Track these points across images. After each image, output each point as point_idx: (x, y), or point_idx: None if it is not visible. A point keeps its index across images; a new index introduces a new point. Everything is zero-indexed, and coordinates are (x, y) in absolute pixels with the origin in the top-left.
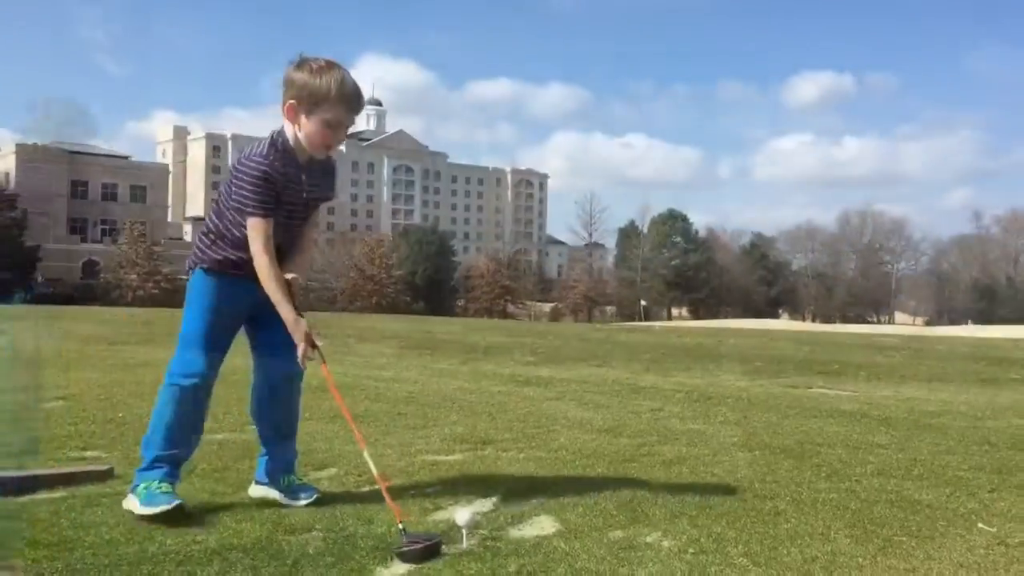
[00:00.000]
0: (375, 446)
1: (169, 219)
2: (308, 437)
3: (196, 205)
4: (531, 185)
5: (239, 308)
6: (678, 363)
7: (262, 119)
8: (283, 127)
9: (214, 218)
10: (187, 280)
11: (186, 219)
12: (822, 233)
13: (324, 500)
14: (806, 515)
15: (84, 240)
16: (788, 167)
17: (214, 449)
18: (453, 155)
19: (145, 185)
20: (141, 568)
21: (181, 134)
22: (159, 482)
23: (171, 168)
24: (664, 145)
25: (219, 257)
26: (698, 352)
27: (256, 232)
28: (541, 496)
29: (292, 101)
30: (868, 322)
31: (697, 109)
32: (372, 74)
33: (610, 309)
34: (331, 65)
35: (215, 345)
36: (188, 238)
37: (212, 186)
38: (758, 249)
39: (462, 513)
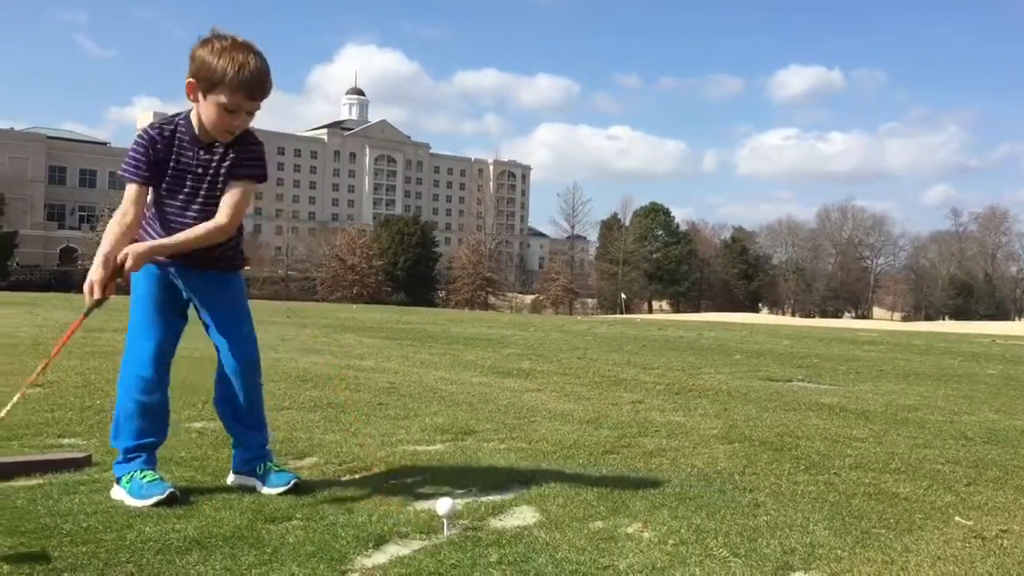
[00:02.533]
0: (356, 435)
1: None
2: (287, 426)
3: None
4: (513, 177)
5: (164, 293)
6: (659, 356)
7: None
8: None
9: None
10: None
11: None
12: (802, 228)
13: (304, 488)
14: (785, 507)
15: (62, 226)
16: (772, 162)
17: (193, 438)
18: (439, 146)
19: None
20: (119, 556)
21: None
22: (140, 471)
23: None
24: (649, 138)
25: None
26: (679, 345)
27: (125, 195)
28: (522, 486)
29: (191, 79)
30: (847, 317)
31: (683, 102)
32: (355, 63)
33: (591, 301)
34: (237, 45)
35: (156, 331)
36: None
37: None
38: (739, 243)
39: (443, 503)
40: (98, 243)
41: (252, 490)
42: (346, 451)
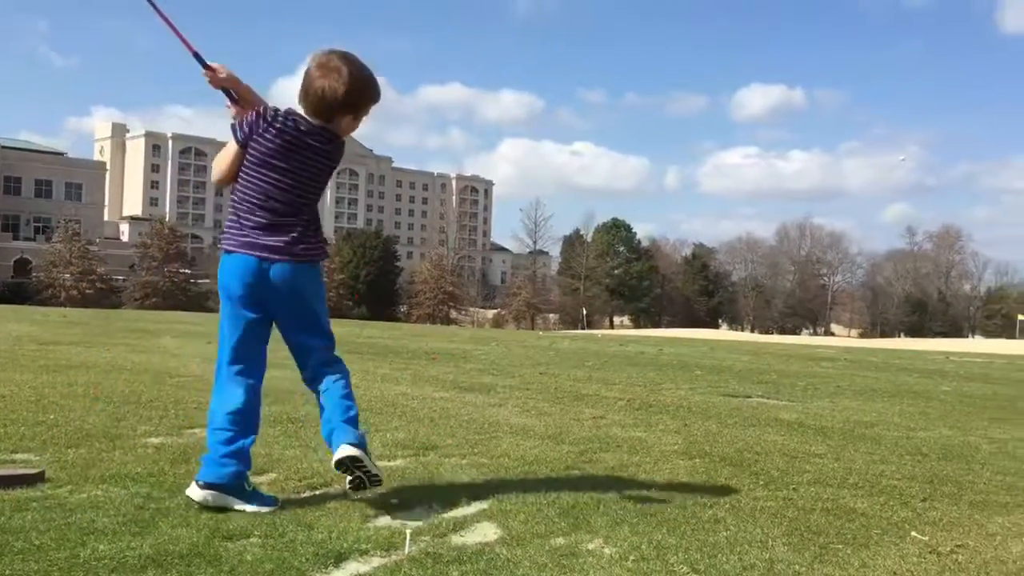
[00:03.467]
0: (316, 451)
1: (105, 218)
2: None
3: (134, 204)
4: (476, 191)
5: None
6: (620, 371)
7: (207, 118)
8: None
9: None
10: (310, 275)
11: (123, 218)
12: (762, 245)
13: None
14: (745, 523)
15: (16, 237)
16: (734, 179)
17: (150, 453)
18: (403, 160)
19: (81, 183)
20: (72, 574)
21: (120, 131)
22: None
23: (108, 166)
24: (612, 154)
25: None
26: (640, 360)
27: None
28: (483, 503)
29: None
30: (805, 333)
31: (647, 119)
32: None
33: (553, 317)
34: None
35: None
36: (125, 237)
37: (151, 185)
38: (699, 260)
39: (404, 519)
40: (54, 254)
41: (213, 507)
42: (306, 467)
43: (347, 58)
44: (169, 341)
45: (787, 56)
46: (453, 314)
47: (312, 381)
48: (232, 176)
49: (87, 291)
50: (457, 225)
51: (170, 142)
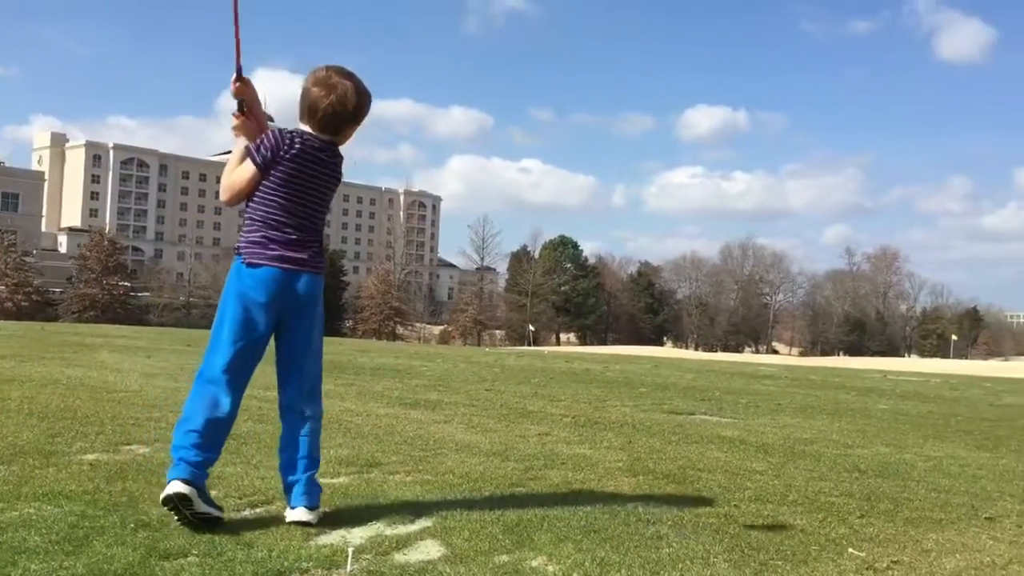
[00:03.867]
0: (258, 468)
1: (43, 229)
2: None
3: (73, 215)
4: (424, 207)
5: None
6: (565, 388)
7: (150, 128)
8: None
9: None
10: (316, 286)
11: (61, 230)
12: (706, 264)
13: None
14: (687, 539)
15: None
16: (679, 198)
17: (85, 470)
18: (351, 174)
19: (18, 193)
20: None
21: (59, 141)
22: None
23: (47, 176)
24: (561, 171)
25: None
26: (585, 377)
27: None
28: (427, 520)
29: None
30: (747, 351)
31: (596, 138)
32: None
33: (499, 333)
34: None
35: None
36: (63, 249)
37: (91, 196)
38: (645, 277)
39: (347, 537)
40: None
41: (149, 525)
42: (247, 484)
43: (345, 72)
44: (107, 355)
45: (732, 78)
46: (399, 330)
47: (287, 409)
48: (246, 197)
49: (22, 304)
50: (404, 240)
51: (111, 152)
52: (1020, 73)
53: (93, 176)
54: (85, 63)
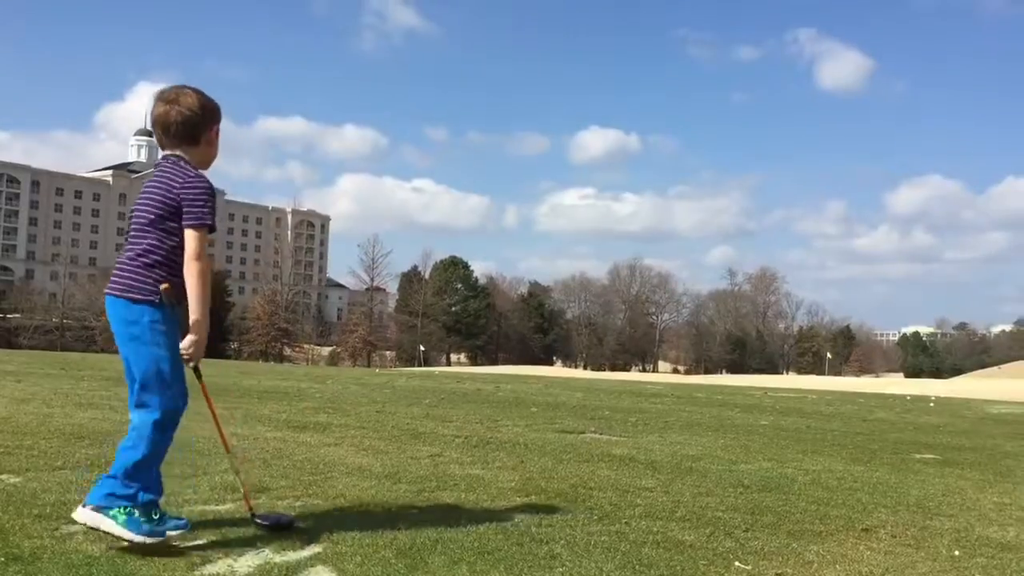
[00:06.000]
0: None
1: None
2: (60, 487)
3: None
4: (313, 226)
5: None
6: (457, 408)
7: (24, 141)
8: (181, 152)
9: (163, 243)
10: (131, 315)
11: None
12: (595, 284)
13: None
14: (580, 558)
15: None
16: (570, 219)
17: None
18: (240, 192)
19: None
20: None
21: None
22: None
23: None
24: (453, 192)
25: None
26: (476, 398)
27: (204, 243)
28: (317, 546)
29: (215, 125)
30: (635, 370)
31: (489, 158)
32: (148, 103)
33: (390, 354)
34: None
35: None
36: None
37: None
38: (536, 298)
39: (233, 566)
40: None
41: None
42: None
43: (184, 85)
44: None
45: (624, 101)
46: (287, 351)
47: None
48: None
49: None
50: (292, 260)
51: None
52: (894, 103)
53: None
54: None
